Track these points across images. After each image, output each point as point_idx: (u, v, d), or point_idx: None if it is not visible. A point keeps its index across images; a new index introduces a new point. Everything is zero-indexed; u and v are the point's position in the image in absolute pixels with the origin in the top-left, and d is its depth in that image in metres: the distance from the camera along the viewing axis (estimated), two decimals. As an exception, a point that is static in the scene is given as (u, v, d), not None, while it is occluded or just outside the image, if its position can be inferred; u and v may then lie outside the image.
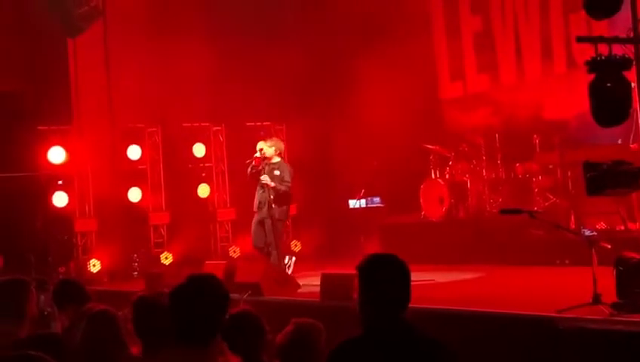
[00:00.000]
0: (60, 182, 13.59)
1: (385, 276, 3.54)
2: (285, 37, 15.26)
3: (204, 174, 15.05)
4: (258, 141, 15.24)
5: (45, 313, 5.89)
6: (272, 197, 10.83)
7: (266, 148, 11.02)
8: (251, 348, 4.35)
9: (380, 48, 13.83)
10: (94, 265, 13.47)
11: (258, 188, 11.04)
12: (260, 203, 10.99)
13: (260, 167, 10.98)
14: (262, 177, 10.87)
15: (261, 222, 11.00)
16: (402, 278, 3.56)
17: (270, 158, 11.04)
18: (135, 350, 4.48)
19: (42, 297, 6.14)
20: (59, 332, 4.94)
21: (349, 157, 14.47)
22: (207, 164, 15.05)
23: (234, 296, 8.81)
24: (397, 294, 3.52)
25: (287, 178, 10.97)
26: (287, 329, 4.55)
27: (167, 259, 14.11)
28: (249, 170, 11.07)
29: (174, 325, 3.63)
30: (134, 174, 14.38)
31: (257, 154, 11.01)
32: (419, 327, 3.51)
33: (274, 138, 11.46)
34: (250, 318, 4.57)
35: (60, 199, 13.55)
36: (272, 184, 10.83)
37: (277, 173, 10.95)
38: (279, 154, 11.12)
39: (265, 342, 4.52)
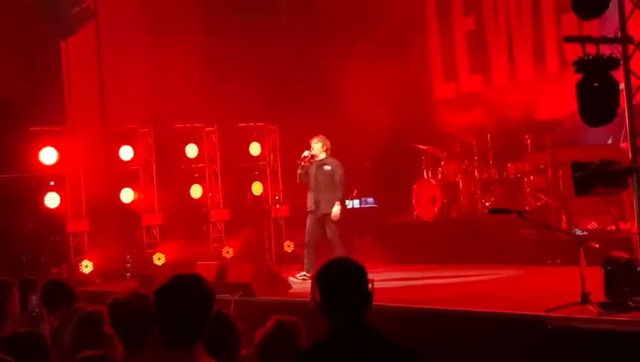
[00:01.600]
0: (51, 183, 13.54)
1: (340, 281, 3.55)
2: (278, 37, 15.26)
3: (196, 175, 15.02)
4: (251, 142, 15.42)
5: (34, 314, 5.89)
6: (325, 196, 11.13)
7: (315, 146, 11.25)
8: (226, 350, 4.35)
9: (373, 49, 13.86)
10: (86, 266, 13.44)
11: (312, 187, 11.30)
12: (316, 201, 11.22)
13: (308, 166, 11.28)
14: (334, 210, 11.11)
15: (320, 220, 11.25)
16: (358, 282, 3.57)
17: (317, 156, 11.28)
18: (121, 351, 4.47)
19: (33, 298, 6.13)
20: (42, 332, 4.93)
21: (342, 157, 14.43)
22: (199, 165, 15.02)
23: (225, 296, 8.89)
24: (354, 298, 3.52)
25: (341, 171, 11.22)
26: (268, 324, 4.56)
27: (159, 259, 14.08)
28: (299, 170, 11.37)
29: (158, 325, 3.61)
30: (127, 175, 14.34)
31: (306, 153, 11.29)
32: (382, 329, 3.51)
33: (320, 136, 11.46)
34: (224, 319, 4.56)
35: (51, 200, 13.51)
36: (338, 209, 11.11)
37: (327, 168, 11.20)
38: (326, 151, 11.30)
39: (240, 343, 4.52)
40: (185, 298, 3.57)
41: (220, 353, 4.03)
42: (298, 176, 11.44)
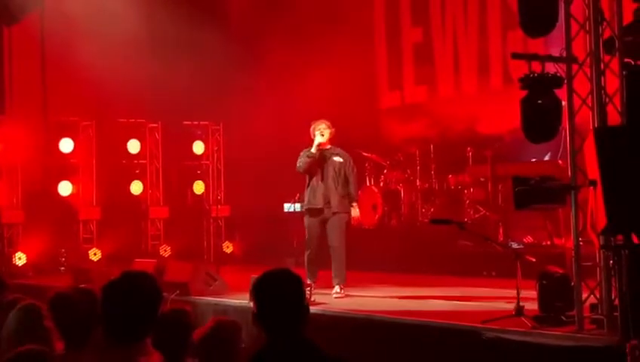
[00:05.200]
0: (-13, 173, 13.30)
1: (276, 294, 3.50)
2: (226, 37, 15.19)
3: (137, 171, 14.89)
4: (195, 140, 15.30)
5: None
6: (341, 193, 9.65)
7: (325, 132, 9.63)
8: (176, 348, 4.32)
9: (319, 54, 13.90)
10: (20, 258, 13.20)
11: (318, 181, 9.66)
12: (326, 197, 9.60)
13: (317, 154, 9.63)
14: (353, 212, 9.66)
15: (323, 220, 9.67)
16: (295, 294, 3.53)
17: (326, 144, 9.73)
18: (59, 346, 4.40)
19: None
20: None
21: (285, 160, 14.47)
22: (141, 161, 14.90)
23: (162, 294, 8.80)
24: (290, 311, 3.48)
25: (353, 164, 9.83)
26: (207, 326, 4.53)
27: (95, 255, 13.90)
28: (305, 159, 9.63)
29: (104, 321, 3.55)
30: (66, 168, 14.13)
31: (321, 139, 9.61)
32: (318, 342, 3.51)
33: (324, 120, 9.80)
34: (182, 318, 4.54)
35: (-14, 189, 13.25)
36: (356, 210, 9.69)
37: (338, 160, 9.69)
38: (332, 138, 9.76)
39: (191, 341, 4.50)
40: (134, 295, 3.52)
41: (169, 349, 4.00)
42: (304, 164, 9.64)
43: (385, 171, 13.59)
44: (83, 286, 4.50)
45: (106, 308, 3.53)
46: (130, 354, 3.46)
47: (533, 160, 11.42)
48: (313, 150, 9.62)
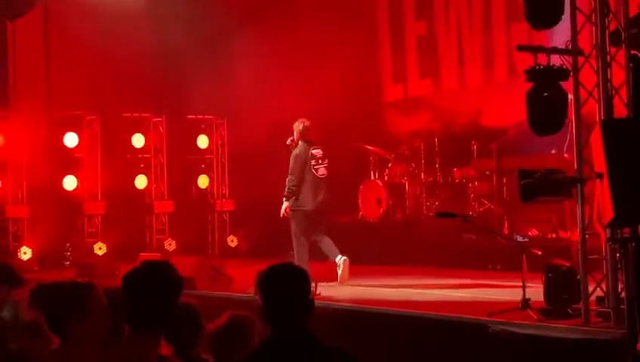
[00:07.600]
0: (-7, 168, 13.31)
1: (281, 288, 3.51)
2: (232, 30, 15.17)
3: (142, 165, 14.88)
4: (199, 134, 15.32)
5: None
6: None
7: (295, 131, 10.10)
8: (186, 340, 4.32)
9: (325, 48, 13.88)
10: (25, 253, 13.21)
11: None
12: None
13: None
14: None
15: None
16: (299, 289, 3.54)
17: (293, 145, 10.20)
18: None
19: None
20: None
21: (289, 154, 14.48)
22: (145, 155, 14.89)
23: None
24: (294, 305, 3.49)
25: (292, 160, 10.08)
26: (221, 319, 4.54)
27: (100, 249, 13.89)
28: None
29: (125, 309, 3.54)
30: (70, 162, 14.12)
31: (288, 141, 10.26)
32: (322, 335, 3.51)
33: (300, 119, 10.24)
34: (190, 311, 4.54)
35: (-8, 184, 13.27)
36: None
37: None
38: (300, 136, 10.10)
39: (200, 335, 4.50)
40: (156, 284, 3.52)
41: (178, 342, 4.00)
42: None
43: (389, 165, 13.57)
44: (84, 279, 4.47)
45: (126, 296, 3.51)
46: (145, 348, 3.46)
47: (538, 153, 11.38)
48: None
